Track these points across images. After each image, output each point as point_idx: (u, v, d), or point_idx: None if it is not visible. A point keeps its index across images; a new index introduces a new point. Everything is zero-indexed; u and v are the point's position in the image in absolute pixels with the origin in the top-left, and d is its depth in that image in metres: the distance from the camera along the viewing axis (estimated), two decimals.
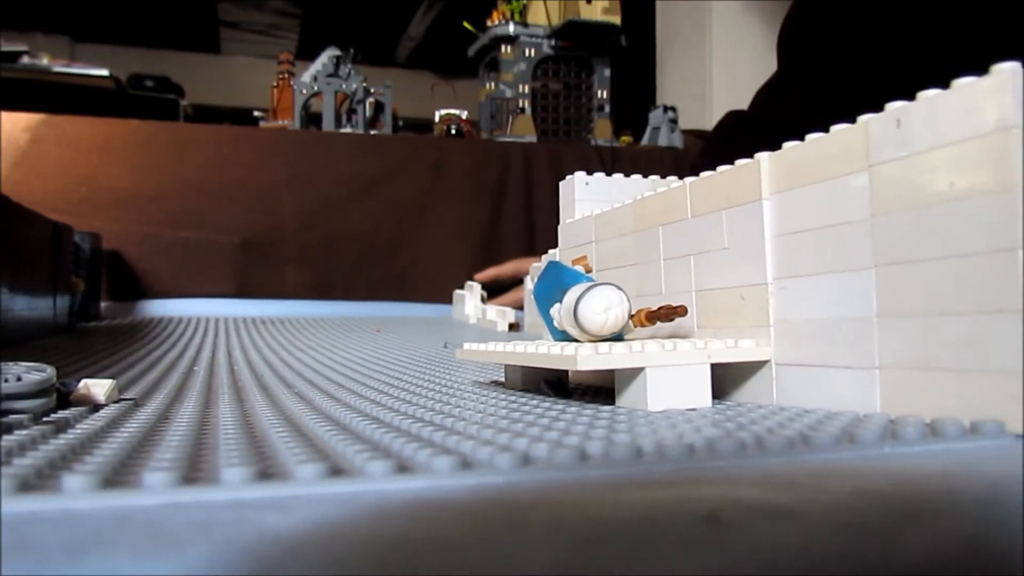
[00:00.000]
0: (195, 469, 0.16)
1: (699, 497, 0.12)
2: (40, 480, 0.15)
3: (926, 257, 0.23)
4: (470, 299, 1.13)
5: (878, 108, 0.25)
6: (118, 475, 0.15)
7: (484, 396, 0.32)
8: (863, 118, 0.26)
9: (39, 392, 0.26)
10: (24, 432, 0.20)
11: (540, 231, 1.42)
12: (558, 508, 0.12)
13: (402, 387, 0.37)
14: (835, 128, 0.27)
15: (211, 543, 0.11)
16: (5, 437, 0.20)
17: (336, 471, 0.15)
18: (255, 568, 0.10)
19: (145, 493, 0.14)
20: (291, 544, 0.11)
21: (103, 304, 1.18)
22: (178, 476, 0.14)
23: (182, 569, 0.10)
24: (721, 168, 0.31)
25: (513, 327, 0.96)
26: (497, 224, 1.44)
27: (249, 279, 1.35)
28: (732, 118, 0.84)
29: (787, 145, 0.29)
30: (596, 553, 0.11)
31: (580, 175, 0.42)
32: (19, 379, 0.26)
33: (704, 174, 0.33)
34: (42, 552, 0.10)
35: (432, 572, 0.10)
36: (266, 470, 0.15)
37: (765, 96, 0.80)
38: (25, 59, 1.83)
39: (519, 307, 1.02)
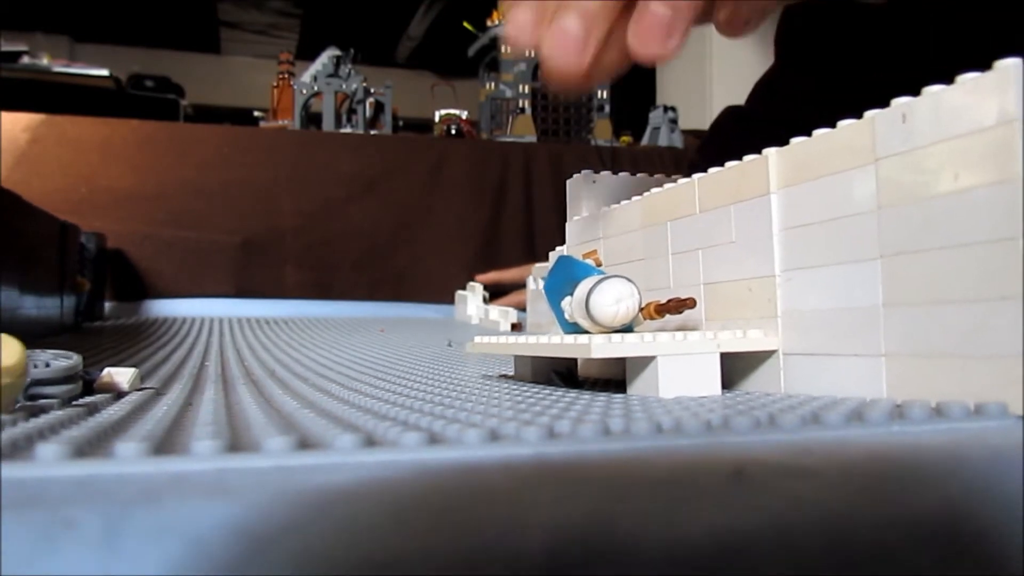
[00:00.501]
0: (236, 441, 0.17)
1: (725, 457, 0.13)
2: (91, 448, 0.15)
3: (931, 247, 0.24)
4: (472, 300, 1.13)
5: (876, 104, 0.26)
6: (165, 445, 0.16)
7: (496, 387, 0.33)
8: (869, 113, 0.26)
9: (67, 378, 0.27)
10: (60, 412, 0.21)
11: (540, 231, 1.43)
12: (591, 469, 0.13)
13: (414, 379, 0.38)
14: (841, 123, 0.27)
15: (267, 494, 0.11)
16: (43, 416, 0.20)
17: (372, 442, 0.16)
18: (310, 510, 0.11)
19: (196, 459, 0.14)
20: (341, 494, 0.12)
21: (109, 303, 1.19)
22: (224, 444, 0.15)
23: (250, 509, 0.11)
24: (729, 164, 0.32)
25: (516, 327, 0.97)
26: (497, 224, 1.44)
27: (249, 279, 1.36)
28: (729, 114, 0.85)
29: (794, 140, 0.29)
30: (627, 505, 0.12)
31: (587, 173, 0.43)
32: (48, 365, 0.27)
33: (712, 170, 0.33)
34: (118, 498, 0.11)
35: (474, 518, 0.11)
36: (305, 441, 0.16)
37: (762, 91, 0.80)
38: (25, 59, 1.83)
39: (521, 309, 1.03)
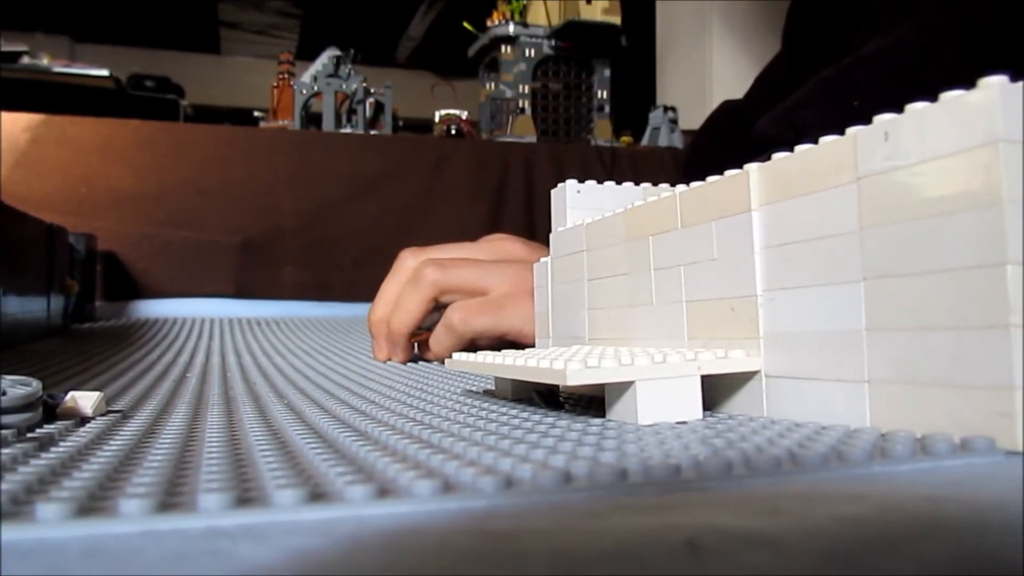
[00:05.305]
0: (173, 494, 0.16)
1: (680, 524, 0.12)
2: (15, 507, 0.14)
3: (915, 271, 0.23)
4: None
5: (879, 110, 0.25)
6: (94, 500, 0.15)
7: (474, 407, 0.32)
8: (852, 130, 0.25)
9: (24, 407, 0.26)
10: (7, 451, 0.20)
11: (540, 232, 1.42)
12: (535, 537, 0.12)
13: (393, 397, 0.37)
14: (824, 139, 0.26)
15: (189, 565, 0.11)
16: None
17: (316, 496, 0.15)
18: None
19: (120, 521, 0.14)
20: (272, 566, 0.11)
21: (101, 304, 1.18)
22: (155, 503, 0.14)
23: None
24: (711, 179, 0.31)
25: None
26: (497, 225, 1.43)
27: (249, 279, 1.35)
28: (724, 109, 0.83)
29: (776, 156, 0.28)
30: None
31: (571, 183, 0.42)
32: (4, 394, 0.26)
33: (694, 185, 0.32)
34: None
35: None
36: (244, 495, 0.15)
37: (762, 83, 0.78)
38: (25, 59, 1.83)
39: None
